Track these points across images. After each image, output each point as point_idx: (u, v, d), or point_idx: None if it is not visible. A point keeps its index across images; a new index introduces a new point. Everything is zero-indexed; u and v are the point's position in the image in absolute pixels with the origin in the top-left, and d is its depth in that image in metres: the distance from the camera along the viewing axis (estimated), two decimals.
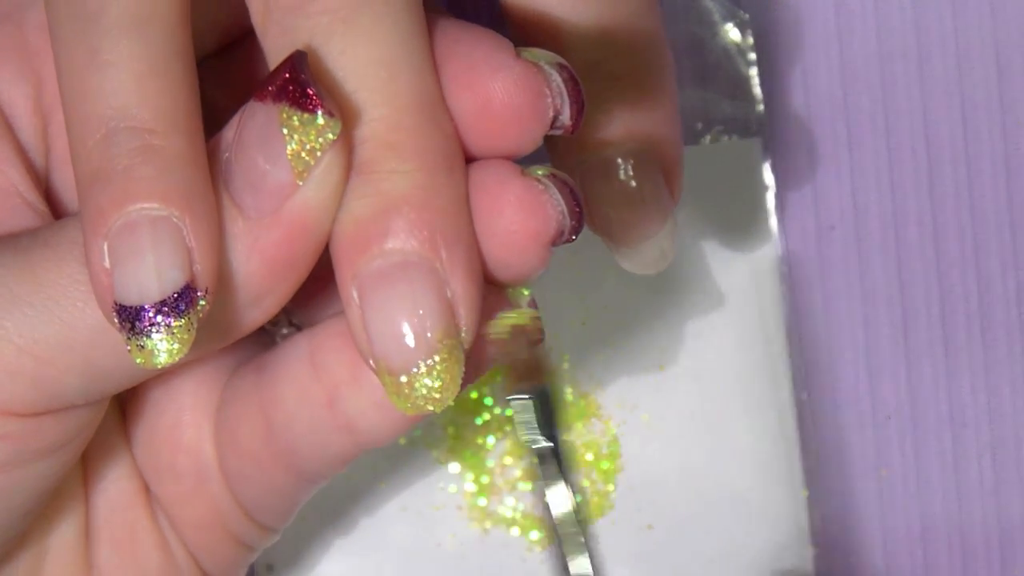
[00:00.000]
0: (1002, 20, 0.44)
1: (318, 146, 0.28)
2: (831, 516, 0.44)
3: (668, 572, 0.44)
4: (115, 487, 0.35)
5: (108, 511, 0.35)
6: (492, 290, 0.31)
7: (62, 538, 0.34)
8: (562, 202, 0.30)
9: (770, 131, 0.44)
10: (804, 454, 0.44)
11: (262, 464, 0.34)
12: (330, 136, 0.28)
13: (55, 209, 0.34)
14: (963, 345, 0.44)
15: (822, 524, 0.44)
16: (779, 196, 0.44)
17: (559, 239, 0.31)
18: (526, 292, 0.32)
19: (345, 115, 0.29)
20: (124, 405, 0.35)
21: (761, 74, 0.44)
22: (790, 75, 0.44)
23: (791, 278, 0.44)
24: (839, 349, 0.44)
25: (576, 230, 0.31)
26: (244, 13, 0.30)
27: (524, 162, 0.30)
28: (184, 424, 0.35)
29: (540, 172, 0.30)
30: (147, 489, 0.35)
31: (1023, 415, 0.44)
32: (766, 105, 0.44)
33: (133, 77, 0.28)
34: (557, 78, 0.30)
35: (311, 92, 0.28)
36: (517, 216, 0.30)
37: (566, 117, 0.30)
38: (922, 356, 0.44)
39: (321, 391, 0.32)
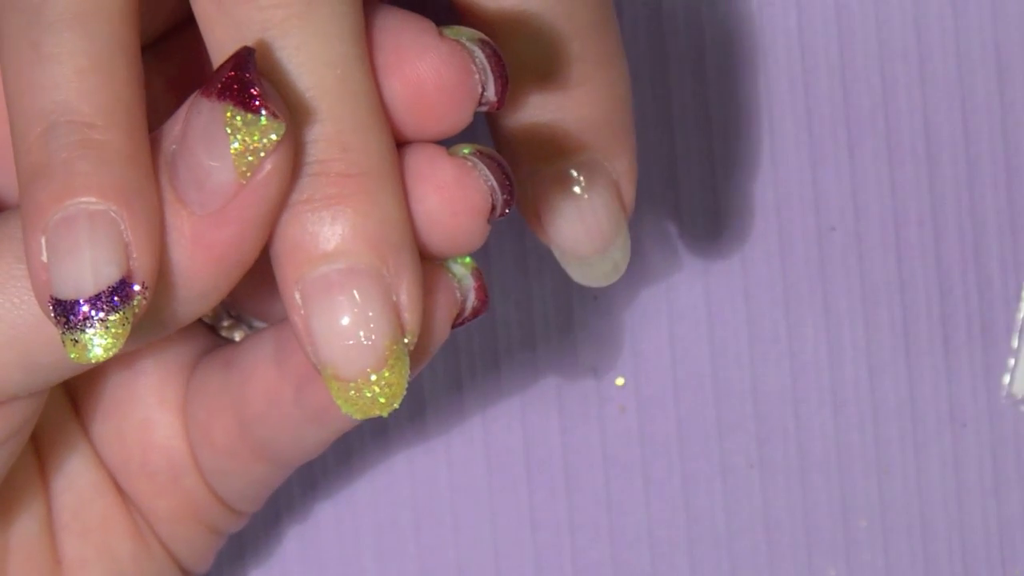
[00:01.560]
0: (1003, 21, 0.44)
1: (262, 147, 0.28)
2: (830, 516, 0.44)
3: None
4: (81, 480, 0.35)
5: (77, 504, 0.35)
6: (430, 266, 0.31)
7: (24, 535, 0.34)
8: (491, 177, 0.30)
9: (770, 131, 0.44)
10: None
11: (239, 458, 0.34)
12: (273, 137, 0.28)
13: None
14: (963, 345, 0.44)
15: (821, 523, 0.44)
16: (779, 196, 0.44)
17: (493, 214, 0.31)
18: (468, 260, 0.32)
19: (297, 115, 0.29)
20: (80, 402, 0.35)
21: (761, 75, 0.44)
22: (790, 75, 0.44)
23: (791, 278, 0.44)
24: (839, 349, 0.44)
25: (508, 203, 0.31)
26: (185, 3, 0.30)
27: (450, 143, 0.31)
28: (154, 422, 0.35)
29: (467, 151, 0.30)
30: (116, 480, 0.35)
31: (1023, 415, 0.44)
32: (766, 106, 0.44)
33: (75, 71, 0.28)
34: (480, 54, 0.30)
35: (255, 92, 0.28)
36: (450, 195, 0.30)
37: (491, 93, 0.30)
38: (922, 356, 0.44)
39: (288, 389, 0.33)
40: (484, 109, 0.30)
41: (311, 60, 0.29)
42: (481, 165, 0.30)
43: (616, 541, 0.44)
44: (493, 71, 0.30)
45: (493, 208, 0.30)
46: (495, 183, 0.30)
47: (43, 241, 0.28)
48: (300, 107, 0.29)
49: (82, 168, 0.28)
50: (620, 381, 0.44)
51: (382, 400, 0.29)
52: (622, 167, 0.34)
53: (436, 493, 0.43)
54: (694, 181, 0.44)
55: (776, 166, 0.44)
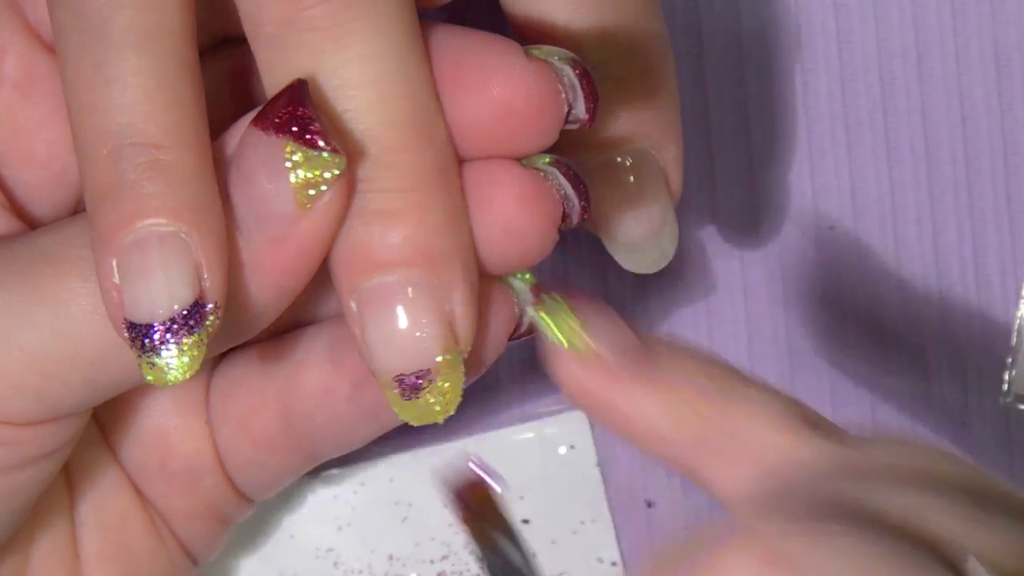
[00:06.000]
0: (1001, 20, 0.44)
1: (323, 180, 0.28)
2: None
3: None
4: (102, 478, 0.35)
5: (97, 501, 0.35)
6: (490, 279, 0.31)
7: (48, 531, 0.34)
8: (566, 186, 0.31)
9: (770, 131, 0.44)
10: None
11: (277, 451, 0.34)
12: (335, 171, 0.28)
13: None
14: (962, 344, 0.44)
15: None
16: (778, 195, 0.44)
17: (566, 224, 0.31)
18: (528, 276, 0.32)
19: (344, 137, 0.29)
20: (97, 407, 0.35)
21: (760, 74, 0.44)
22: (789, 75, 0.44)
23: (790, 277, 0.44)
24: (838, 348, 0.44)
25: (585, 211, 0.31)
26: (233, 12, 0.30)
27: None
28: (171, 426, 0.35)
29: (545, 160, 0.31)
30: (133, 481, 0.36)
31: (1022, 415, 0.44)
32: (765, 105, 0.44)
33: (140, 92, 0.28)
34: (568, 72, 0.30)
35: (315, 128, 0.28)
36: (518, 208, 0.30)
37: (580, 111, 0.30)
38: (921, 355, 0.44)
39: (343, 384, 0.33)
40: (574, 127, 0.31)
41: (346, 82, 0.29)
42: (556, 173, 0.31)
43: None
44: (583, 89, 0.30)
45: (566, 216, 0.31)
46: (570, 191, 0.31)
47: (114, 264, 0.28)
48: (344, 129, 0.29)
49: (151, 190, 0.28)
50: None
51: (437, 408, 0.30)
52: (669, 155, 0.35)
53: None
54: (692, 181, 0.44)
55: (775, 165, 0.44)
